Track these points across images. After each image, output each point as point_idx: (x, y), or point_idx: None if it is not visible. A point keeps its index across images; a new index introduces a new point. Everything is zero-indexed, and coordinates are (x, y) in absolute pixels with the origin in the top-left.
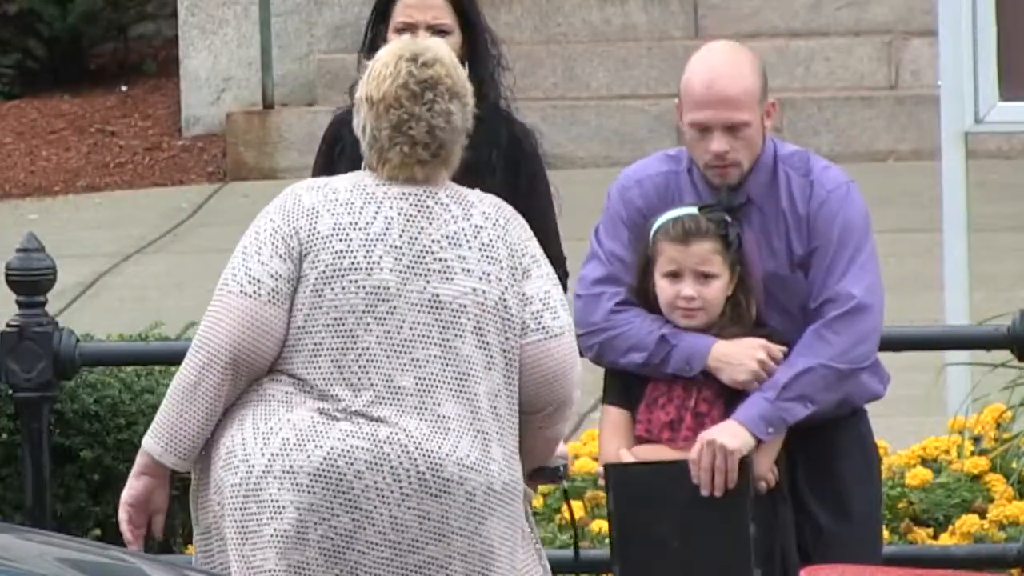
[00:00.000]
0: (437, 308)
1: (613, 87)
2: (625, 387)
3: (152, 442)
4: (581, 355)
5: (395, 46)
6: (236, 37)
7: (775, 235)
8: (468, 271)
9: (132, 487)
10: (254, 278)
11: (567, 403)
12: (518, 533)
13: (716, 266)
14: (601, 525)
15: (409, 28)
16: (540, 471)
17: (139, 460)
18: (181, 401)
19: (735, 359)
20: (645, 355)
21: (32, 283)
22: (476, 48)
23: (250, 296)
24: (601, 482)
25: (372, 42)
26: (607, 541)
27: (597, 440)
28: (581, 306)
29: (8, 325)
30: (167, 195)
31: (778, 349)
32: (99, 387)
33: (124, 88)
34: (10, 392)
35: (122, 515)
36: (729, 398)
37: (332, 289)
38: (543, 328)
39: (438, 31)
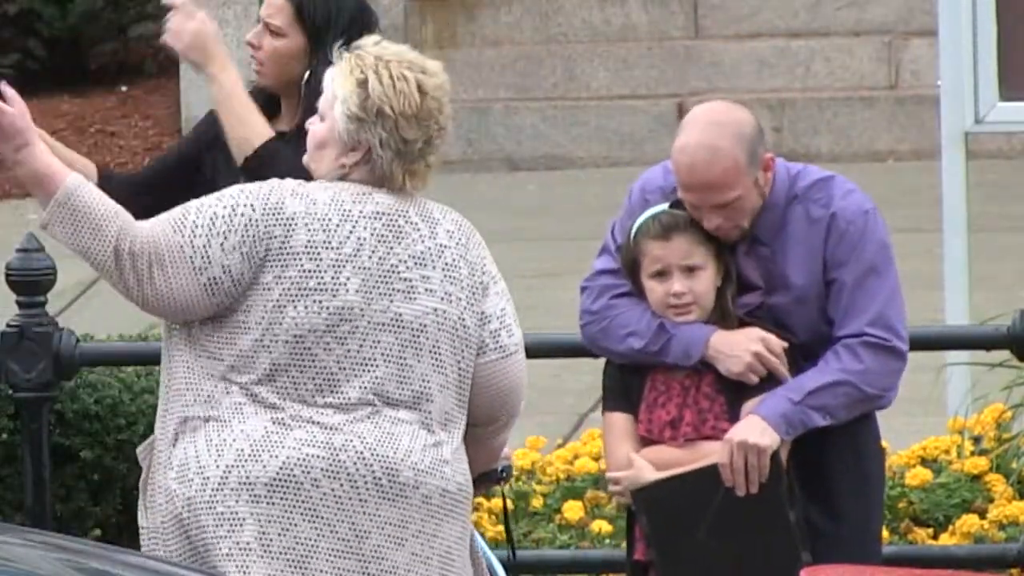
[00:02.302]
0: (398, 327)
1: (613, 87)
2: (625, 390)
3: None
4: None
5: (397, 58)
6: (236, 37)
7: (790, 270)
8: (431, 291)
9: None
10: (208, 257)
11: (516, 415)
12: (468, 534)
13: (700, 257)
14: (601, 525)
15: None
16: (484, 474)
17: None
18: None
19: (731, 349)
20: (644, 341)
21: (32, 283)
22: (320, 58)
23: (196, 270)
24: (612, 488)
25: None
26: (608, 542)
27: (601, 446)
28: (584, 295)
29: (8, 325)
30: None
31: (778, 342)
32: (99, 387)
33: (124, 88)
34: (10, 392)
35: None
36: (730, 394)
37: (295, 308)
38: (500, 347)
39: (269, 30)
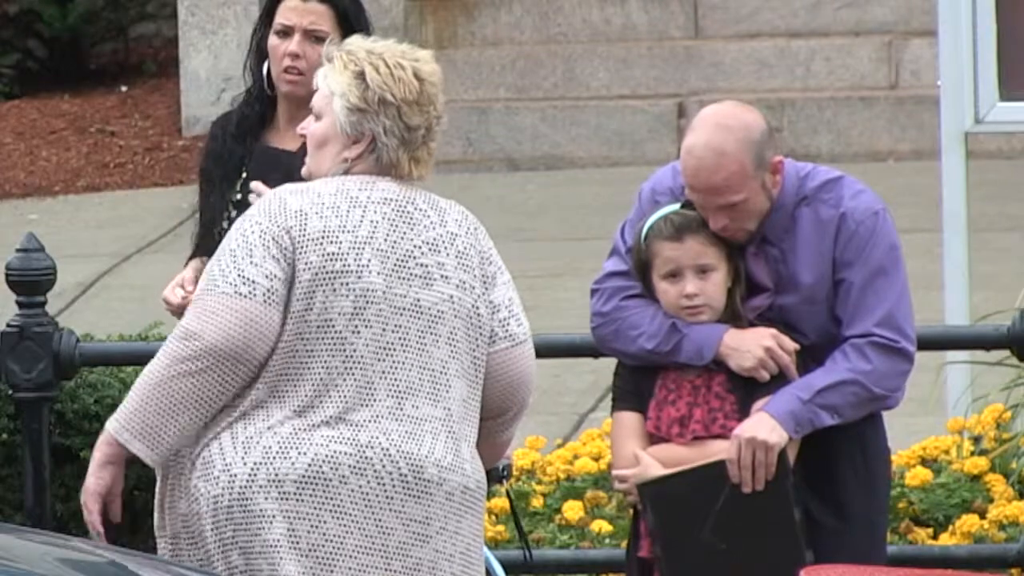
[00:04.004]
0: (418, 313)
1: (613, 87)
2: (635, 390)
3: (129, 436)
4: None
5: (388, 50)
6: (236, 37)
7: (800, 270)
8: (446, 278)
9: (101, 477)
10: (248, 279)
11: (525, 407)
12: (483, 531)
13: (712, 258)
14: (601, 525)
15: (287, 31)
16: (486, 473)
17: (107, 450)
18: (162, 395)
19: (743, 346)
20: (656, 341)
21: (32, 283)
22: None
23: (245, 296)
24: (618, 486)
25: (258, 44)
26: (608, 541)
27: (601, 446)
28: (594, 298)
29: (8, 325)
30: (167, 195)
31: (790, 342)
32: (99, 387)
33: (124, 88)
34: (10, 392)
35: (93, 505)
36: (741, 393)
37: (323, 292)
38: (510, 336)
39: (314, 36)
